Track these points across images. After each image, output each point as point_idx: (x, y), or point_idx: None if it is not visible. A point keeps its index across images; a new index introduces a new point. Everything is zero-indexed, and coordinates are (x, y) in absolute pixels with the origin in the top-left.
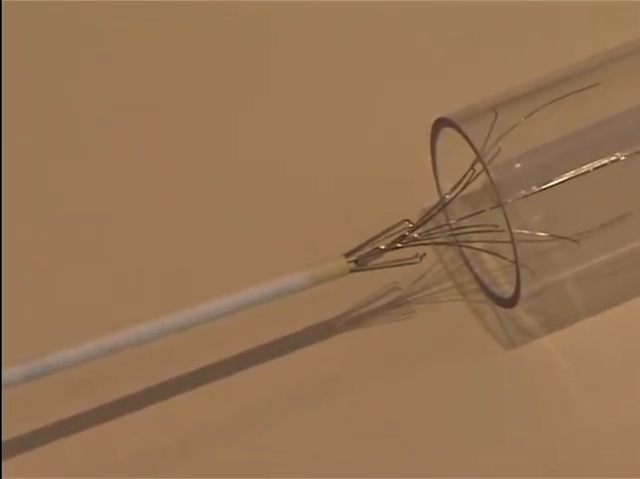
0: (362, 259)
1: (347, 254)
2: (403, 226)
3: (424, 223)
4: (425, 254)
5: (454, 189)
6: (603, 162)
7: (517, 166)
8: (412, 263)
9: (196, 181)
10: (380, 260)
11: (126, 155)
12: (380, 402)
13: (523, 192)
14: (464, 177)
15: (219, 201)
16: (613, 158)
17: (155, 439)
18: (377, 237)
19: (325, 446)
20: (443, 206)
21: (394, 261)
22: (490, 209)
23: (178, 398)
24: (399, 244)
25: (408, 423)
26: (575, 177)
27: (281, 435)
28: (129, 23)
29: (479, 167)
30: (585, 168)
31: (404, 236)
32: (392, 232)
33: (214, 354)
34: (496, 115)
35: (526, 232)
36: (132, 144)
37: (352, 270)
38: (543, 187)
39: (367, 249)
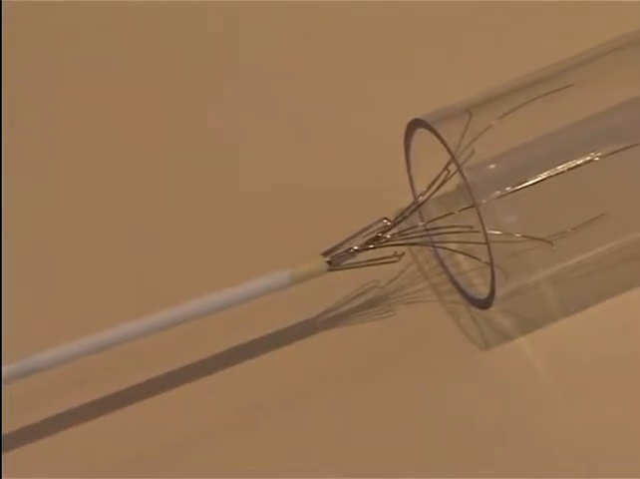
0: (339, 259)
1: (325, 254)
2: (380, 224)
3: (397, 223)
4: (403, 254)
5: (427, 190)
6: (577, 162)
7: (492, 166)
8: (389, 262)
9: (175, 183)
10: (359, 259)
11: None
12: (355, 402)
13: (498, 192)
14: (437, 178)
15: (199, 202)
16: (587, 158)
17: (135, 441)
18: (355, 235)
19: (303, 445)
20: (416, 207)
21: (372, 260)
22: (464, 209)
23: (156, 399)
24: (371, 246)
25: (383, 422)
26: (549, 177)
27: (261, 435)
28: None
29: (453, 167)
30: (559, 169)
31: (378, 236)
32: (370, 231)
33: (193, 354)
34: (471, 116)
35: (501, 232)
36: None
37: (330, 269)
38: (518, 187)
39: (344, 249)
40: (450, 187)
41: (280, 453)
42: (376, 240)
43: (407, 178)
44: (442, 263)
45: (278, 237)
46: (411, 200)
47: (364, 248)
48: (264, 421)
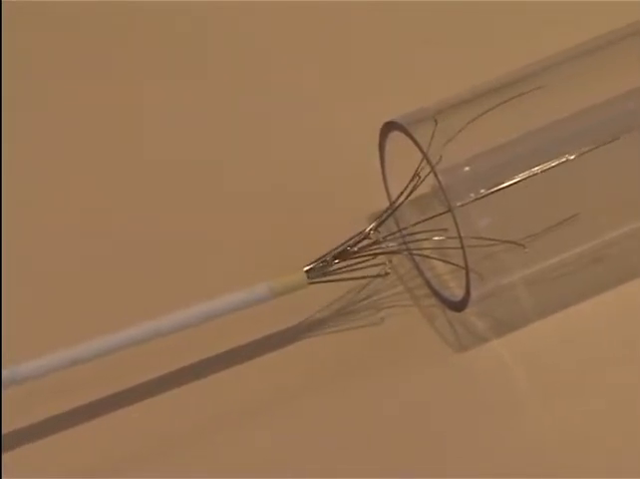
0: (319, 272)
1: (307, 269)
2: (362, 235)
3: (368, 233)
4: (387, 274)
5: (401, 194)
6: (551, 164)
7: (466, 169)
8: (375, 277)
9: (155, 192)
10: (341, 272)
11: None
12: (333, 408)
13: (472, 195)
14: (411, 181)
15: (179, 215)
16: (563, 159)
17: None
18: (338, 248)
19: (284, 451)
20: (391, 212)
21: (354, 277)
22: (440, 215)
23: (137, 406)
24: (351, 258)
25: (361, 427)
26: (524, 179)
27: (241, 440)
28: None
29: (427, 170)
30: (534, 170)
31: (355, 250)
32: (349, 243)
33: (172, 364)
34: (442, 119)
35: (475, 236)
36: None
37: (311, 283)
38: (492, 190)
39: (322, 263)
40: (424, 189)
41: (261, 459)
42: (354, 253)
43: (382, 180)
44: (417, 267)
45: (254, 244)
46: (386, 202)
47: (346, 258)
48: (244, 428)
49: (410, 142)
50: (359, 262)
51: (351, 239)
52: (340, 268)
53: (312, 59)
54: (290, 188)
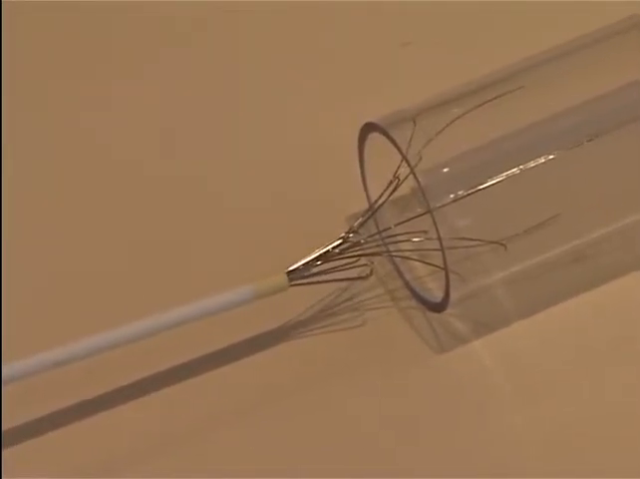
0: (301, 274)
1: (288, 271)
2: (343, 237)
3: (348, 235)
4: (368, 275)
5: (381, 196)
6: (531, 165)
7: (445, 170)
8: (356, 279)
9: (137, 194)
10: (323, 273)
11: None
12: (314, 409)
13: (452, 196)
14: (390, 183)
15: (162, 218)
16: (542, 160)
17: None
18: (320, 249)
19: (264, 452)
20: (371, 214)
21: (336, 279)
22: (419, 216)
23: (118, 409)
24: (332, 260)
25: (341, 427)
26: (503, 180)
27: (221, 444)
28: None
29: (406, 171)
30: (513, 171)
31: (335, 252)
32: (333, 244)
33: (150, 367)
34: (421, 120)
35: (455, 237)
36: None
37: (292, 285)
38: (472, 190)
39: (303, 265)
40: (404, 190)
41: (244, 459)
42: (335, 255)
43: (361, 182)
44: (397, 268)
45: (236, 246)
46: (366, 204)
47: (326, 261)
48: (229, 428)
49: (389, 143)
50: (340, 265)
51: (332, 241)
52: (321, 271)
53: (291, 60)
54: (271, 190)
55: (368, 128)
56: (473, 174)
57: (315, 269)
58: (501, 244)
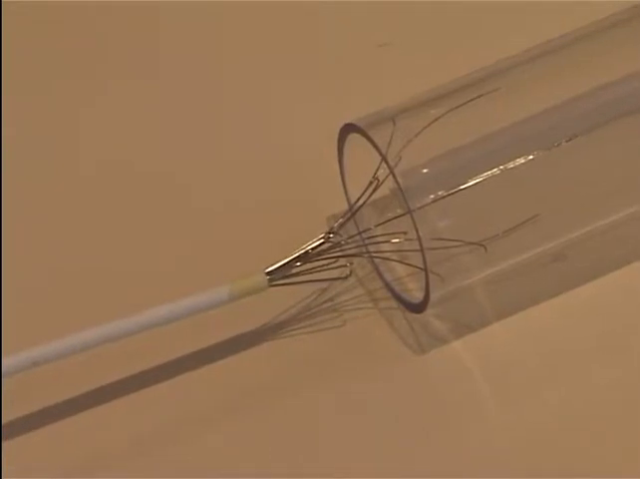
0: (280, 275)
1: (267, 271)
2: (323, 238)
3: (327, 236)
4: (348, 275)
5: (361, 196)
6: (510, 165)
7: (425, 171)
8: (335, 279)
9: (115, 194)
10: (301, 273)
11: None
12: (293, 410)
13: (432, 197)
14: (370, 184)
15: (139, 219)
16: (522, 160)
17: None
18: (299, 250)
19: (244, 455)
20: (350, 215)
21: (315, 280)
22: (399, 216)
23: (100, 408)
24: (311, 261)
25: (320, 428)
26: (483, 181)
27: (201, 445)
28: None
29: (386, 172)
30: (493, 171)
31: (315, 252)
32: (312, 244)
33: (132, 367)
34: (401, 121)
35: (434, 237)
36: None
37: (271, 286)
38: (451, 191)
39: (283, 266)
40: (384, 191)
41: (223, 460)
42: (314, 256)
43: (341, 183)
44: (377, 269)
45: (215, 247)
46: (346, 205)
47: (306, 261)
48: (203, 431)
49: (369, 144)
50: (320, 265)
51: (312, 241)
52: (301, 271)
53: (269, 60)
54: (250, 190)
55: (347, 128)
56: (452, 174)
57: (295, 270)
58: (481, 245)
